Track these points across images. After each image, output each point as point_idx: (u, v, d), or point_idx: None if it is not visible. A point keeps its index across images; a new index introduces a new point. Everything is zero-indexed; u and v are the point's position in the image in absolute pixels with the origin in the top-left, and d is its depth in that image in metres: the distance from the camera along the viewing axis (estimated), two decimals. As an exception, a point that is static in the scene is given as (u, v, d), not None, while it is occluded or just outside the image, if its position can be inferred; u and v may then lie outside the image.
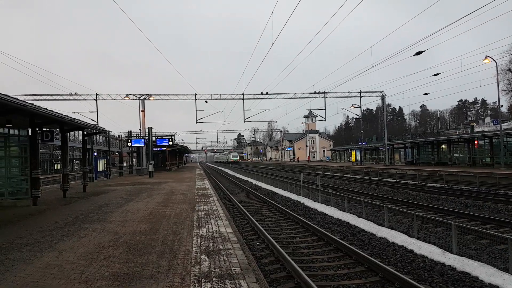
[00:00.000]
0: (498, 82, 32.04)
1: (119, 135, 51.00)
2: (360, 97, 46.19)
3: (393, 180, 28.03)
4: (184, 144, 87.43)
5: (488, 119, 79.57)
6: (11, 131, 15.63)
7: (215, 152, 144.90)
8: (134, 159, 56.44)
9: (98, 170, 33.78)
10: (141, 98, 41.56)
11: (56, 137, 24.02)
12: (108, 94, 42.05)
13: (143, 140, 37.65)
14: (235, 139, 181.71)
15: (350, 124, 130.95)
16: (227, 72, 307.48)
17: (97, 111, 39.93)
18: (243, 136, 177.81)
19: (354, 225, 11.73)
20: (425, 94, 43.43)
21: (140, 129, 41.73)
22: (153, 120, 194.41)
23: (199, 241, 7.56)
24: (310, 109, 74.72)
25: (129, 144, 38.61)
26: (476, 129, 57.63)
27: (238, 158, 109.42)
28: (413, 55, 27.19)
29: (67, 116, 15.36)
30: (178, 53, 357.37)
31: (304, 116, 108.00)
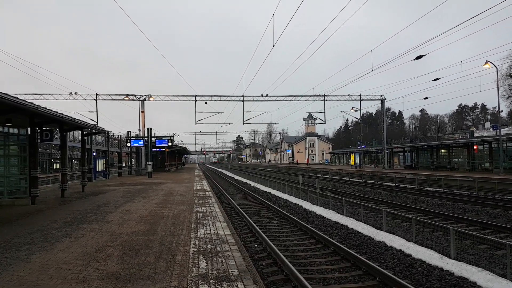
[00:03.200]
0: (498, 87, 32.13)
1: (118, 135, 50.99)
2: (360, 100, 46.22)
3: (392, 184, 28.04)
4: (183, 145, 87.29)
5: (487, 124, 79.74)
6: (11, 130, 15.62)
7: (214, 155, 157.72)
8: (133, 160, 56.38)
9: (97, 170, 33.76)
10: (141, 99, 41.54)
11: (56, 136, 24.05)
12: (108, 94, 42.04)
13: (142, 140, 37.61)
14: (234, 140, 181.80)
15: (350, 128, 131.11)
16: (227, 74, 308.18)
17: (96, 111, 39.92)
18: (242, 138, 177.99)
19: (353, 229, 11.71)
20: (425, 98, 43.44)
21: (139, 130, 41.71)
22: (152, 121, 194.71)
23: (197, 242, 7.55)
24: (309, 111, 75.08)
25: (128, 144, 38.56)
26: (476, 134, 57.75)
27: (217, 160, 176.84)
28: (413, 59, 27.24)
29: (66, 115, 15.35)
30: (178, 55, 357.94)
31: (304, 119, 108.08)
